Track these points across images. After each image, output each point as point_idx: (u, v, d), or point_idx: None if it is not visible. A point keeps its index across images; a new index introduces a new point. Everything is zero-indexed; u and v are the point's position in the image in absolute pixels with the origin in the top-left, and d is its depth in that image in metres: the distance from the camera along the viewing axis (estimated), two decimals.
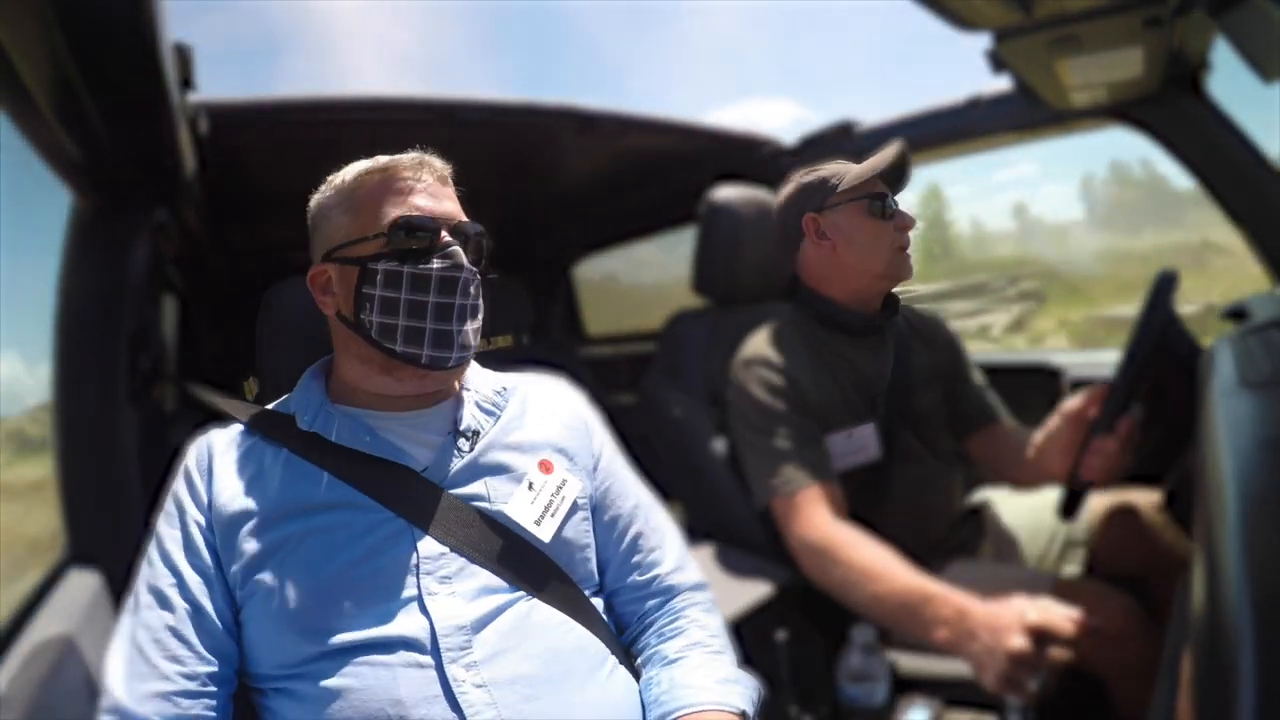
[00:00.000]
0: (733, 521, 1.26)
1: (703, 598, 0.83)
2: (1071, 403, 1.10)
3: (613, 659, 0.73)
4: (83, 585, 0.91)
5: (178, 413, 1.29)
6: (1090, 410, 1.07)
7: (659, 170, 2.04)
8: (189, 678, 0.64)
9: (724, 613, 1.06)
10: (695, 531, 1.42)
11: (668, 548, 0.83)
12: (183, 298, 1.52)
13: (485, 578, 0.69)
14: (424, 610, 0.65)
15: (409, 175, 0.73)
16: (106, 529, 0.98)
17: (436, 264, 0.70)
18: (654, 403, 1.54)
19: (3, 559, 1.08)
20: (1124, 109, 1.43)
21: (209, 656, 0.65)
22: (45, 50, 0.74)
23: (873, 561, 0.99)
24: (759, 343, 1.22)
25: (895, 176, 1.08)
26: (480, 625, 0.66)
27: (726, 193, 1.50)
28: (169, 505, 0.71)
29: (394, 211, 0.71)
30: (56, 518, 0.99)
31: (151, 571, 0.68)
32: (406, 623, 0.65)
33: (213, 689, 0.65)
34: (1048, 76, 1.29)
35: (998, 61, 1.28)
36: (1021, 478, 1.24)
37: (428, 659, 0.64)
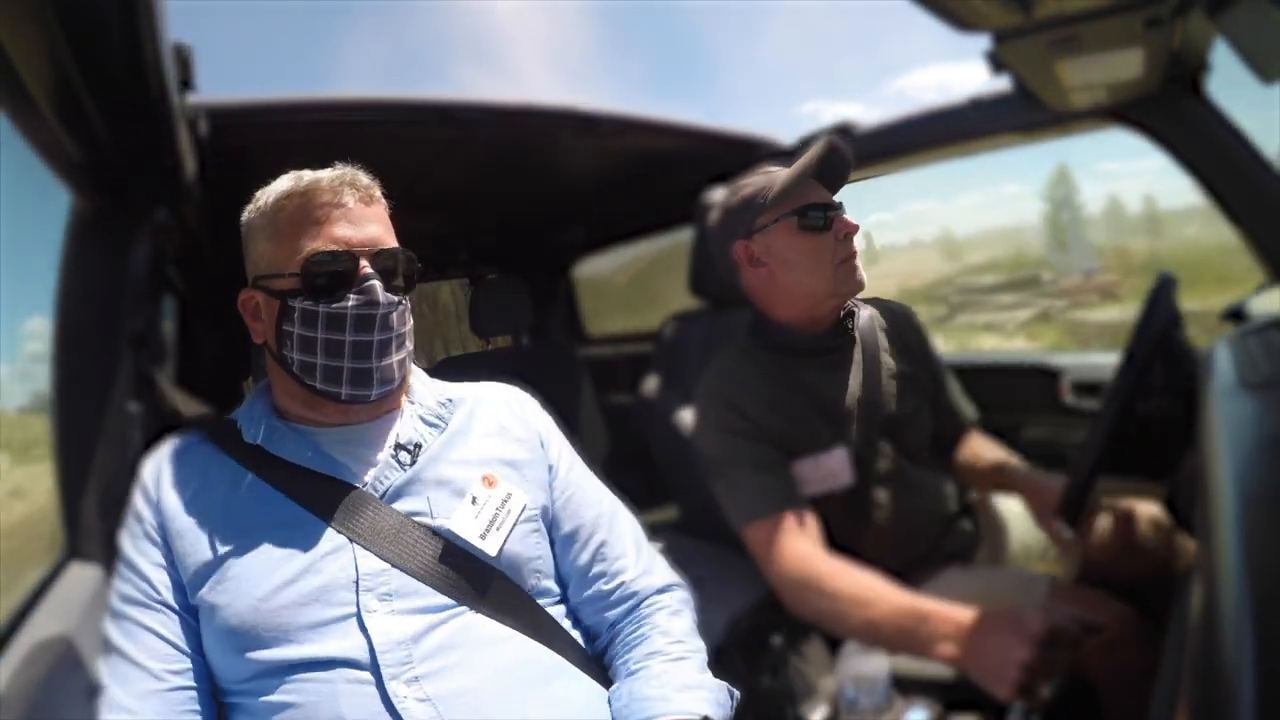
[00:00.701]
0: (729, 523, 1.26)
1: (670, 600, 0.81)
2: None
3: (572, 669, 0.72)
4: (82, 583, 0.91)
5: (177, 412, 1.28)
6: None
7: (658, 170, 2.04)
8: (176, 673, 0.65)
9: (722, 614, 1.05)
10: (693, 533, 1.42)
11: (632, 554, 0.81)
12: (183, 298, 1.52)
13: (427, 594, 0.68)
14: (362, 628, 0.65)
15: (328, 199, 0.69)
16: (106, 528, 0.98)
17: (352, 301, 0.67)
18: (651, 404, 1.54)
19: None
20: (1124, 110, 1.43)
21: (191, 653, 0.66)
22: (45, 50, 0.74)
23: (860, 588, 0.96)
24: (712, 374, 1.16)
25: (834, 175, 0.99)
26: (420, 639, 0.65)
27: (723, 193, 1.50)
28: (129, 518, 0.71)
29: (309, 244, 0.68)
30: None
31: (122, 581, 0.68)
32: (344, 641, 0.64)
33: (203, 682, 0.67)
34: (1047, 77, 1.29)
35: (997, 62, 1.28)
36: (983, 490, 1.26)
37: (366, 675, 0.63)
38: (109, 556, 0.95)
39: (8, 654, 0.74)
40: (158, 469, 0.73)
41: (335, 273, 0.68)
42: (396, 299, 0.70)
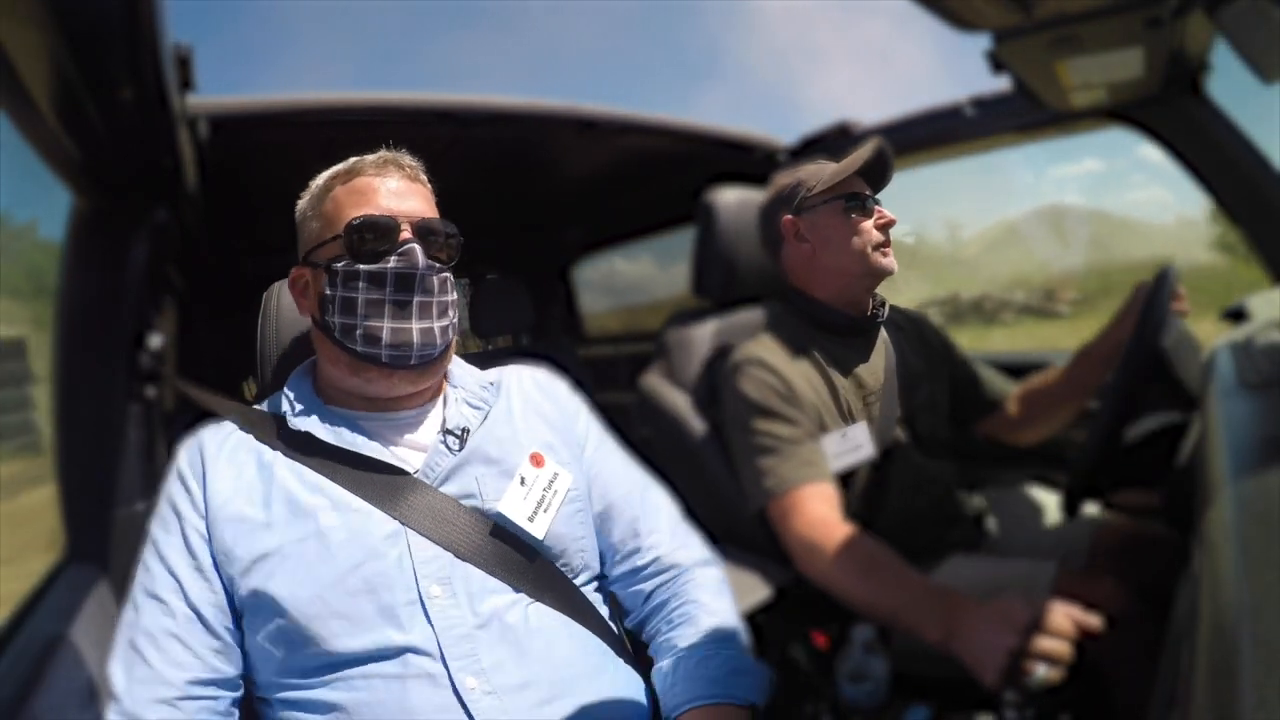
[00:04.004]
0: (733, 522, 1.26)
1: (708, 577, 0.82)
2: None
3: (613, 655, 0.73)
4: (82, 584, 0.90)
5: (177, 412, 1.28)
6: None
7: (658, 171, 2.04)
8: (193, 683, 0.64)
9: None
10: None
11: (666, 528, 0.83)
12: (183, 298, 1.53)
13: (481, 577, 0.68)
14: (426, 615, 0.65)
15: (373, 174, 0.73)
16: (106, 528, 0.98)
17: (392, 261, 0.69)
18: (653, 403, 1.54)
19: None
20: (1124, 110, 1.43)
21: (213, 662, 0.65)
22: (45, 50, 0.74)
23: (870, 559, 0.99)
24: (751, 344, 1.22)
25: (876, 173, 1.08)
26: (482, 629, 0.65)
27: (724, 194, 1.50)
28: (164, 510, 0.70)
29: (354, 212, 0.71)
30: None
31: (149, 577, 0.67)
32: (410, 630, 0.64)
33: (218, 694, 0.65)
34: (1048, 77, 1.29)
35: (997, 62, 1.28)
36: (1034, 431, 1.34)
37: (437, 667, 0.63)
38: (109, 556, 0.95)
39: (8, 654, 0.74)
40: (196, 458, 0.71)
41: (376, 234, 0.70)
42: (436, 264, 0.72)
